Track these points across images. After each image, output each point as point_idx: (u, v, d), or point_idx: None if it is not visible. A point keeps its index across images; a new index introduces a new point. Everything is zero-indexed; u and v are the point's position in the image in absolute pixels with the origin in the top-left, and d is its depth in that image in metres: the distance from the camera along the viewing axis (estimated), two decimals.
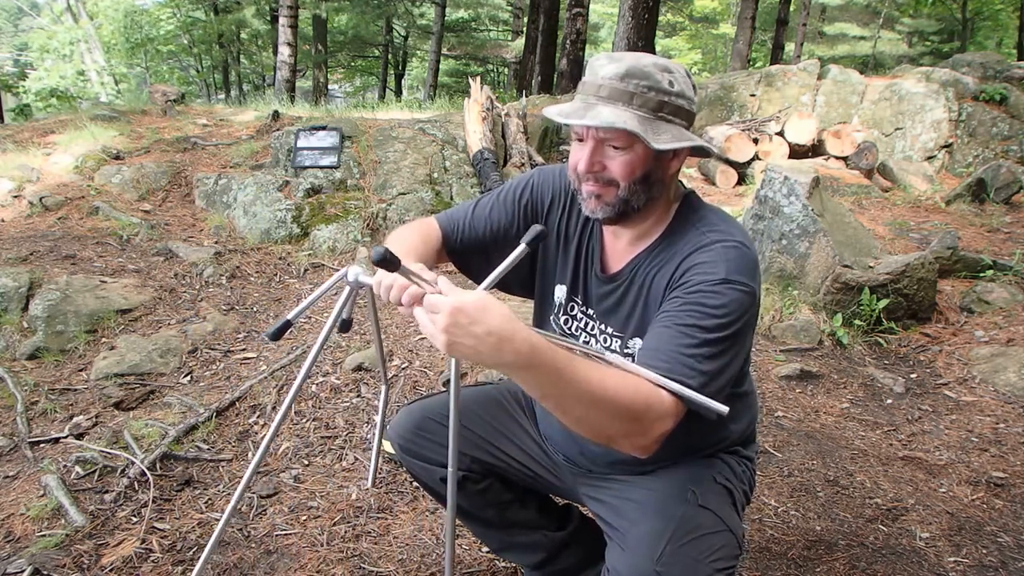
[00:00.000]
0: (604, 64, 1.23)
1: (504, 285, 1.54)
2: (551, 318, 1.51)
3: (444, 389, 2.95)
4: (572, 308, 1.47)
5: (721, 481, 1.38)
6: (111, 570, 1.90)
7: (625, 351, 1.37)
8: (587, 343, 1.44)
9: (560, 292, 1.48)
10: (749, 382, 1.49)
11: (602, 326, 1.41)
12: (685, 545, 1.21)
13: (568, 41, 10.83)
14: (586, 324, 1.45)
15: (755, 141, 6.80)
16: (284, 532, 2.11)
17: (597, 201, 1.28)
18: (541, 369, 1.03)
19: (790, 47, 16.96)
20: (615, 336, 1.39)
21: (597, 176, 1.26)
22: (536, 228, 1.15)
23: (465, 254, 1.49)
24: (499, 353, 1.00)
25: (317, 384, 2.97)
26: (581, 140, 1.26)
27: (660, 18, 13.92)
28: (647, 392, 1.10)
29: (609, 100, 1.20)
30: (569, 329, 1.48)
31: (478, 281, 1.54)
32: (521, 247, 1.14)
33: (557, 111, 1.25)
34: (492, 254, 1.47)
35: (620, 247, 1.39)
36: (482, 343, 1.00)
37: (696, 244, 1.26)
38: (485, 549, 1.98)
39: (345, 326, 1.26)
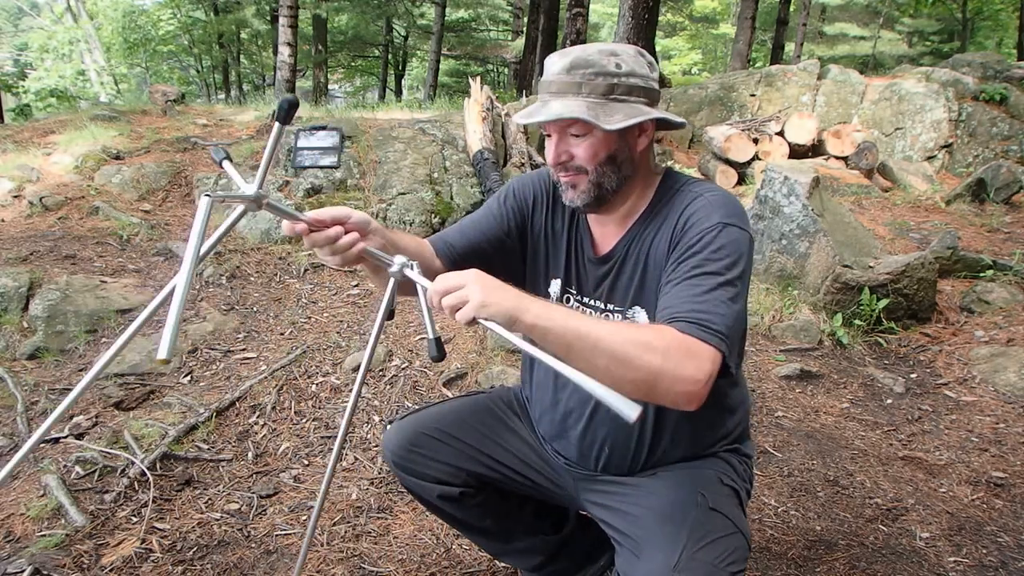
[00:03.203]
0: (555, 62, 1.28)
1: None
2: None
3: (445, 391, 2.95)
4: (568, 300, 1.48)
5: (727, 482, 1.39)
6: (111, 570, 1.90)
7: (626, 320, 1.40)
8: None
9: (555, 286, 1.49)
10: (738, 370, 1.51)
11: (601, 305, 1.43)
12: (700, 550, 1.20)
13: (568, 41, 10.81)
14: (583, 312, 1.45)
15: (755, 141, 6.80)
16: (284, 532, 2.11)
17: (573, 191, 1.33)
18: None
19: (790, 47, 16.95)
20: (616, 312, 1.41)
21: (567, 165, 1.31)
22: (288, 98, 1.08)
23: (465, 263, 1.47)
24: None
25: (317, 384, 2.97)
26: (550, 136, 1.31)
27: (660, 18, 13.92)
28: (675, 331, 1.10)
29: (560, 94, 1.26)
30: None
31: None
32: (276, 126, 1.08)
33: (520, 113, 1.30)
34: (491, 259, 1.48)
35: (608, 230, 1.42)
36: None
37: (686, 200, 1.31)
38: None
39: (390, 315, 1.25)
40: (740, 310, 1.18)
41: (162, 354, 0.87)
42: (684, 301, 1.15)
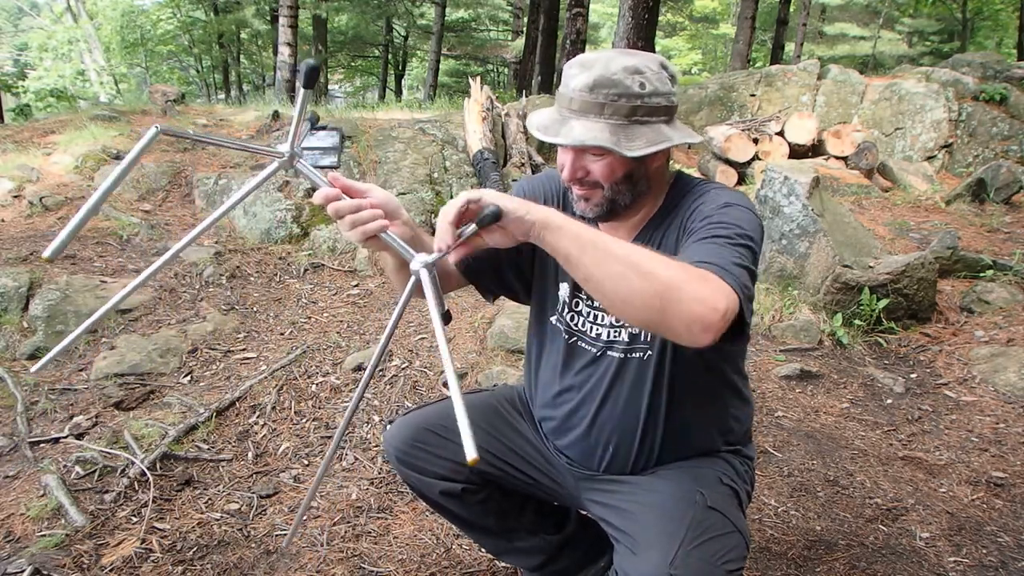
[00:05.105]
0: (575, 74, 1.25)
1: (508, 287, 1.55)
2: (554, 317, 1.51)
3: (445, 391, 2.95)
4: (577, 304, 1.47)
5: (727, 482, 1.39)
6: (111, 570, 1.90)
7: (636, 328, 1.39)
8: (597, 337, 1.43)
9: (564, 290, 1.48)
10: (745, 374, 1.54)
11: None
12: (697, 547, 1.21)
13: (568, 41, 10.81)
14: (593, 317, 1.45)
15: (755, 141, 6.80)
16: (284, 532, 2.11)
17: (586, 203, 1.33)
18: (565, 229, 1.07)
19: (790, 47, 16.95)
20: None
21: (582, 181, 1.30)
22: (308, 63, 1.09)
23: (478, 267, 1.47)
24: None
25: (317, 384, 2.97)
26: (565, 147, 1.30)
27: (660, 18, 13.91)
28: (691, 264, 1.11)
29: (581, 113, 1.23)
30: (575, 325, 1.47)
31: (488, 293, 1.55)
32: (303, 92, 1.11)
33: (536, 123, 1.29)
34: (502, 263, 1.49)
35: (619, 234, 1.41)
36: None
37: (694, 196, 1.34)
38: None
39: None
40: (753, 274, 1.17)
41: (46, 253, 0.92)
42: (698, 255, 1.15)
